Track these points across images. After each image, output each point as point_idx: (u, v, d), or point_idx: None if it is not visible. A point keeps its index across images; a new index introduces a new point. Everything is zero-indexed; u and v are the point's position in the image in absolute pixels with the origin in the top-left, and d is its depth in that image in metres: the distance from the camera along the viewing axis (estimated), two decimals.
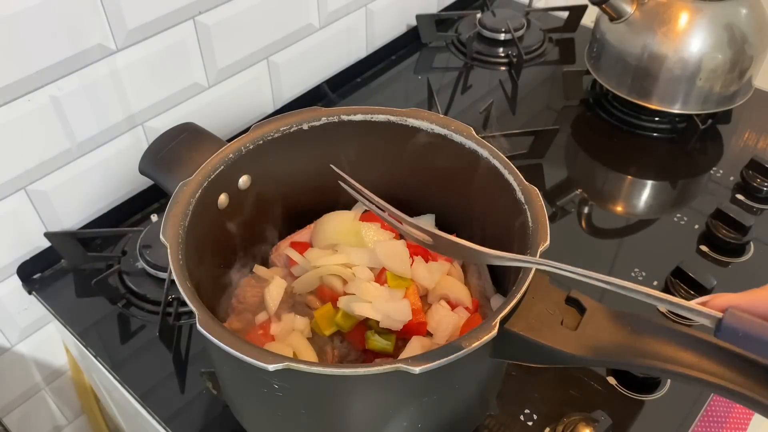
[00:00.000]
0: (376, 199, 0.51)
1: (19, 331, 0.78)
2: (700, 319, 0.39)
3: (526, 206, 0.53)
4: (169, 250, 0.49)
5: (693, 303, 0.39)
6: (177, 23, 0.76)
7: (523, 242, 0.51)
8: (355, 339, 0.57)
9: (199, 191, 0.54)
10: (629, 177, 0.89)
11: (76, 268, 0.77)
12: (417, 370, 0.41)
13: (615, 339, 0.45)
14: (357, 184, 0.51)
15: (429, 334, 0.57)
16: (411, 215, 0.67)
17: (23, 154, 0.69)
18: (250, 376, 0.47)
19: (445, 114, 0.96)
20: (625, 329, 0.45)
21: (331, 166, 0.51)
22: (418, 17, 1.11)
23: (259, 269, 0.64)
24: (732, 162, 0.90)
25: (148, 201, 0.84)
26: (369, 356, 0.57)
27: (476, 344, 0.42)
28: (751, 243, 0.78)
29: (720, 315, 0.38)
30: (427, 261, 0.61)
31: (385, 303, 0.55)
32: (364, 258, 0.60)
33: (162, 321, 0.68)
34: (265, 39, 0.88)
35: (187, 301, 0.46)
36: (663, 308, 0.71)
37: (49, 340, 0.82)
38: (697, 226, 0.81)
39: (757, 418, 0.80)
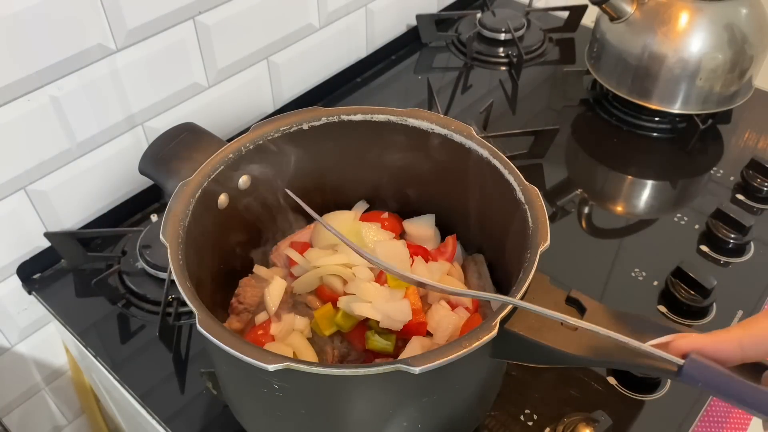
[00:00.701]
0: (335, 230, 0.49)
1: (19, 331, 0.78)
2: (661, 364, 0.38)
3: (526, 206, 0.53)
4: (169, 250, 0.49)
5: (651, 346, 0.37)
6: (177, 23, 0.76)
7: (523, 242, 0.51)
8: (355, 339, 0.57)
9: (199, 191, 0.54)
10: (629, 177, 0.89)
11: (76, 268, 0.77)
12: (417, 370, 0.41)
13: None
14: (313, 212, 0.49)
15: (429, 334, 0.57)
16: (411, 215, 0.68)
17: (23, 154, 0.69)
18: (250, 376, 0.47)
19: (445, 114, 0.96)
20: (626, 329, 0.45)
21: (287, 190, 0.50)
22: (418, 17, 1.11)
23: (259, 269, 0.64)
24: (732, 162, 0.90)
25: (148, 201, 0.84)
26: (369, 356, 0.57)
27: (476, 344, 0.42)
28: (751, 243, 0.78)
29: (681, 362, 0.37)
30: (427, 261, 0.61)
31: (385, 303, 0.55)
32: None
33: (162, 321, 0.68)
34: (265, 39, 0.88)
35: (187, 301, 0.46)
36: (663, 308, 0.71)
37: (48, 340, 0.82)
38: (697, 226, 0.81)
39: (757, 418, 0.80)
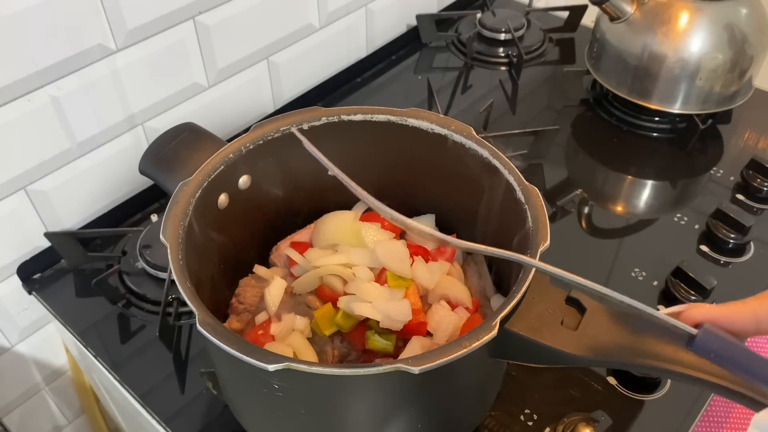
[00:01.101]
0: (346, 179, 0.47)
1: (19, 331, 0.78)
2: (675, 331, 0.38)
3: (526, 206, 0.53)
4: (169, 250, 0.49)
5: (665, 315, 0.37)
6: (177, 23, 0.76)
7: (523, 242, 0.51)
8: (355, 339, 0.57)
9: (199, 191, 0.54)
10: (629, 177, 0.89)
11: (76, 268, 0.77)
12: (417, 370, 0.41)
13: (615, 339, 0.45)
14: (323, 156, 0.47)
15: (429, 334, 0.57)
16: (411, 215, 0.68)
17: (23, 154, 0.69)
18: (250, 376, 0.47)
19: (445, 114, 0.96)
20: (626, 329, 0.45)
21: (293, 130, 0.47)
22: (418, 17, 1.11)
23: (259, 269, 0.64)
24: (732, 162, 0.90)
25: (148, 201, 0.84)
26: (369, 356, 0.57)
27: (476, 344, 0.42)
28: (751, 243, 0.78)
29: (694, 332, 0.36)
30: (427, 261, 0.61)
31: (385, 303, 0.55)
32: (364, 258, 0.60)
33: (162, 321, 0.68)
34: (265, 39, 0.88)
35: (187, 301, 0.46)
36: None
37: (49, 340, 0.82)
38: (697, 226, 0.81)
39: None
